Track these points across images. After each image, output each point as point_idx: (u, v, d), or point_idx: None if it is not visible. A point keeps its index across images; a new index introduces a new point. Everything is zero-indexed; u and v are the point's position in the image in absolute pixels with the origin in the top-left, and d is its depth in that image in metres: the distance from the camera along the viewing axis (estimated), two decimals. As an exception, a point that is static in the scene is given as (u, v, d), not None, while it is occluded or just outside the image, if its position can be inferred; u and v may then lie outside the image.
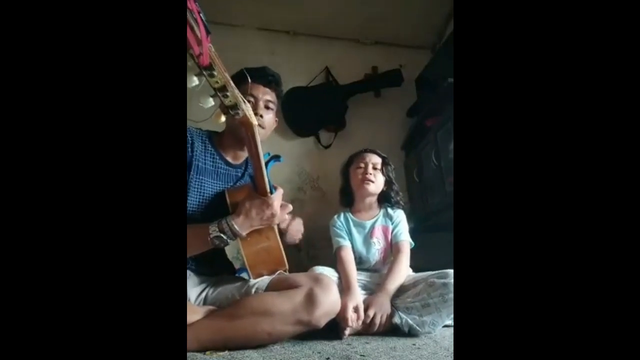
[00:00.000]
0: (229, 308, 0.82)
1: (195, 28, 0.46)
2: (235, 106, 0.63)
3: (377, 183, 1.29)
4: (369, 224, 1.28)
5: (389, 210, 1.30)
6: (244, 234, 0.83)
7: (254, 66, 1.00)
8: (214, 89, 0.57)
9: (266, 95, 1.00)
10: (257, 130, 0.74)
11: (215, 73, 0.53)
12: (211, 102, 0.60)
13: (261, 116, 0.98)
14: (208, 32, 0.48)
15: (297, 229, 1.06)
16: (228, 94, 0.59)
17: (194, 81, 0.53)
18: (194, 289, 0.94)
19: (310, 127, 1.99)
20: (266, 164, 0.84)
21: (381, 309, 1.00)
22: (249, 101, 0.96)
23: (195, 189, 0.93)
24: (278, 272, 0.92)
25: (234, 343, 0.77)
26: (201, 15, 0.47)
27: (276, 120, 1.08)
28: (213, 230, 0.82)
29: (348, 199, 1.35)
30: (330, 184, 1.84)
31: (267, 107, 1.01)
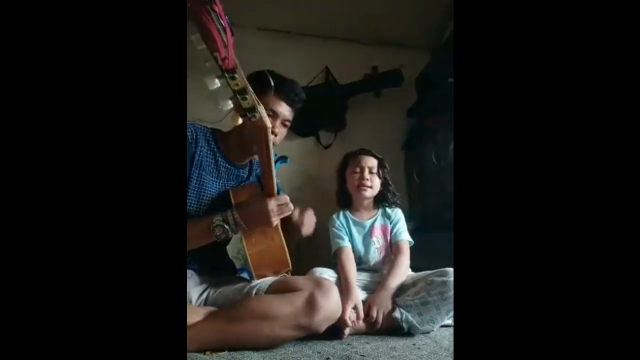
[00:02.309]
0: (229, 310, 0.82)
1: (222, 32, 0.46)
2: (252, 109, 0.63)
3: (374, 187, 1.28)
4: (368, 223, 1.28)
5: (387, 209, 1.30)
6: (247, 227, 0.83)
7: (258, 70, 0.96)
8: (234, 91, 0.57)
9: (286, 112, 0.98)
10: (270, 132, 0.74)
11: (236, 76, 0.54)
12: (230, 104, 0.60)
13: (275, 135, 0.96)
14: (232, 35, 0.49)
15: (313, 221, 1.05)
16: (247, 96, 0.59)
17: (215, 83, 0.54)
18: (196, 289, 0.93)
19: (310, 127, 1.99)
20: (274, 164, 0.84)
21: (382, 306, 1.01)
22: (267, 115, 0.95)
23: (197, 185, 0.92)
24: (282, 274, 0.92)
25: (233, 345, 0.77)
26: (227, 18, 0.47)
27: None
28: (217, 219, 0.82)
29: (345, 200, 1.34)
30: (330, 184, 1.82)
31: (283, 125, 0.99)
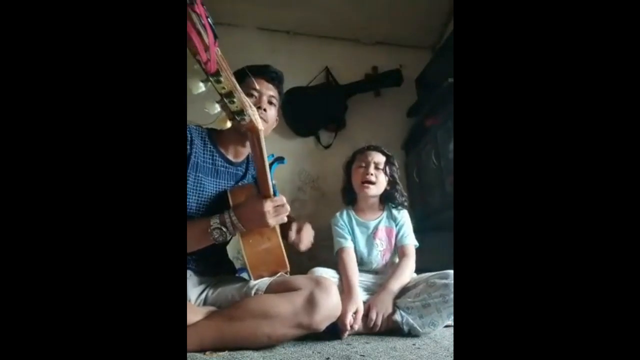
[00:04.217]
0: (229, 309, 0.82)
1: (203, 34, 0.44)
2: (241, 112, 0.62)
3: (378, 184, 1.24)
4: (372, 224, 1.25)
5: (393, 211, 1.27)
6: (244, 229, 0.83)
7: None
8: (220, 94, 0.56)
9: (269, 90, 1.02)
10: (262, 134, 0.74)
11: (222, 79, 0.52)
12: (217, 108, 0.58)
13: (265, 110, 0.99)
14: (216, 37, 0.47)
15: (311, 237, 1.06)
16: (235, 99, 0.58)
17: (200, 87, 0.52)
18: (195, 289, 0.93)
19: (310, 127, 1.99)
20: (270, 165, 0.83)
21: (382, 308, 1.00)
22: (252, 95, 0.97)
23: (194, 187, 0.93)
24: (279, 274, 0.92)
25: (233, 344, 0.77)
26: (209, 19, 0.45)
27: (277, 120, 1.09)
28: (214, 222, 0.82)
29: (350, 197, 1.31)
30: (330, 184, 1.84)
31: (270, 102, 1.02)
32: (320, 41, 2.08)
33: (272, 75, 1.03)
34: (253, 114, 0.67)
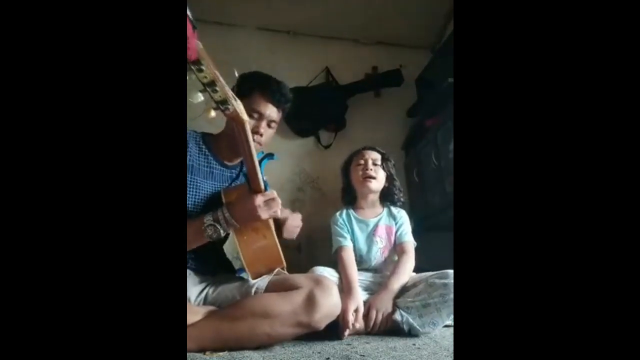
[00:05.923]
0: (229, 309, 0.82)
1: None
2: (224, 101, 0.62)
3: (378, 179, 1.29)
4: (372, 222, 1.27)
5: (392, 209, 1.30)
6: (238, 225, 0.83)
7: (256, 70, 1.00)
8: (203, 84, 0.57)
9: (272, 114, 0.99)
10: (247, 125, 0.74)
11: (203, 68, 0.53)
12: (200, 97, 0.59)
13: (261, 135, 0.97)
14: (194, 28, 0.48)
15: (295, 224, 1.06)
16: (217, 89, 0.59)
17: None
18: (194, 289, 0.93)
19: (310, 127, 1.99)
20: (260, 162, 0.83)
21: (382, 308, 1.00)
22: (251, 116, 0.95)
23: (190, 189, 0.93)
24: (276, 270, 0.92)
25: (233, 344, 0.77)
26: (187, 11, 0.47)
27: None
28: (207, 219, 0.82)
29: (350, 197, 1.35)
30: (330, 184, 1.83)
31: (269, 126, 1.00)
32: (320, 41, 2.08)
33: (279, 99, 0.97)
34: (237, 104, 0.67)
